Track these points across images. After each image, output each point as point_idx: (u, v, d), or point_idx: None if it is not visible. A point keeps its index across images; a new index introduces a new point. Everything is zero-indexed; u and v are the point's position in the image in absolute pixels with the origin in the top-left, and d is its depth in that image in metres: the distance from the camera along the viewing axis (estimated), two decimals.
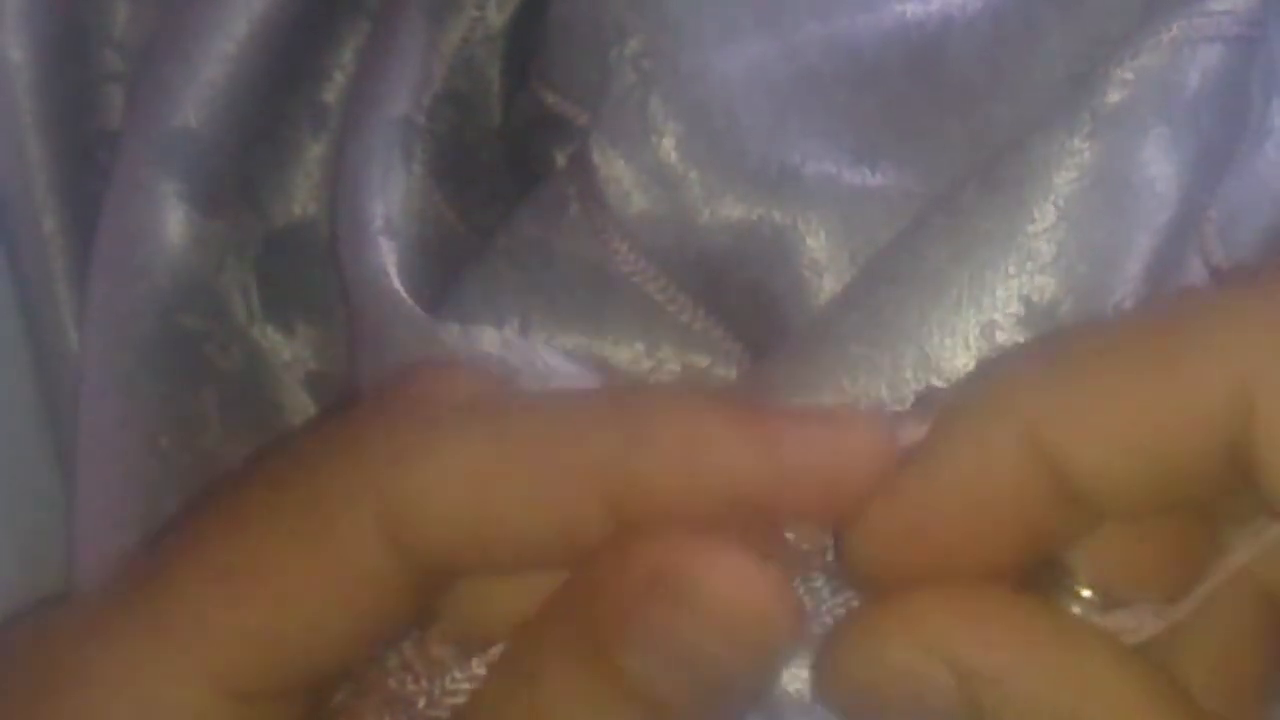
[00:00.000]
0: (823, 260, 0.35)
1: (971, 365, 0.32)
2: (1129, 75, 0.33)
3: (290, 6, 0.39)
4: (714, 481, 0.26)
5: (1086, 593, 0.27)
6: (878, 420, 0.28)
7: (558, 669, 0.26)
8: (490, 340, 0.33)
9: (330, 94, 0.41)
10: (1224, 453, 0.25)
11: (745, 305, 0.35)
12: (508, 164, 0.40)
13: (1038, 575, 0.27)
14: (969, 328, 0.32)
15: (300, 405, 0.40)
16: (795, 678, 0.30)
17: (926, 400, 0.30)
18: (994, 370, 0.28)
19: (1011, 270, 0.32)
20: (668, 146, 0.35)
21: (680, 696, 0.26)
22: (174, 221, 0.39)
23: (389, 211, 0.36)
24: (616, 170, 0.35)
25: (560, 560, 0.27)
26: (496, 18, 0.40)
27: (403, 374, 0.30)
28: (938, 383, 0.32)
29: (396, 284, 0.35)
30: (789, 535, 0.28)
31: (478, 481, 0.27)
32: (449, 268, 0.38)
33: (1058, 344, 0.27)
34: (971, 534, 0.26)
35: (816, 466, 0.27)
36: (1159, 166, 0.33)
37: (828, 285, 0.34)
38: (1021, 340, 0.31)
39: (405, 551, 0.27)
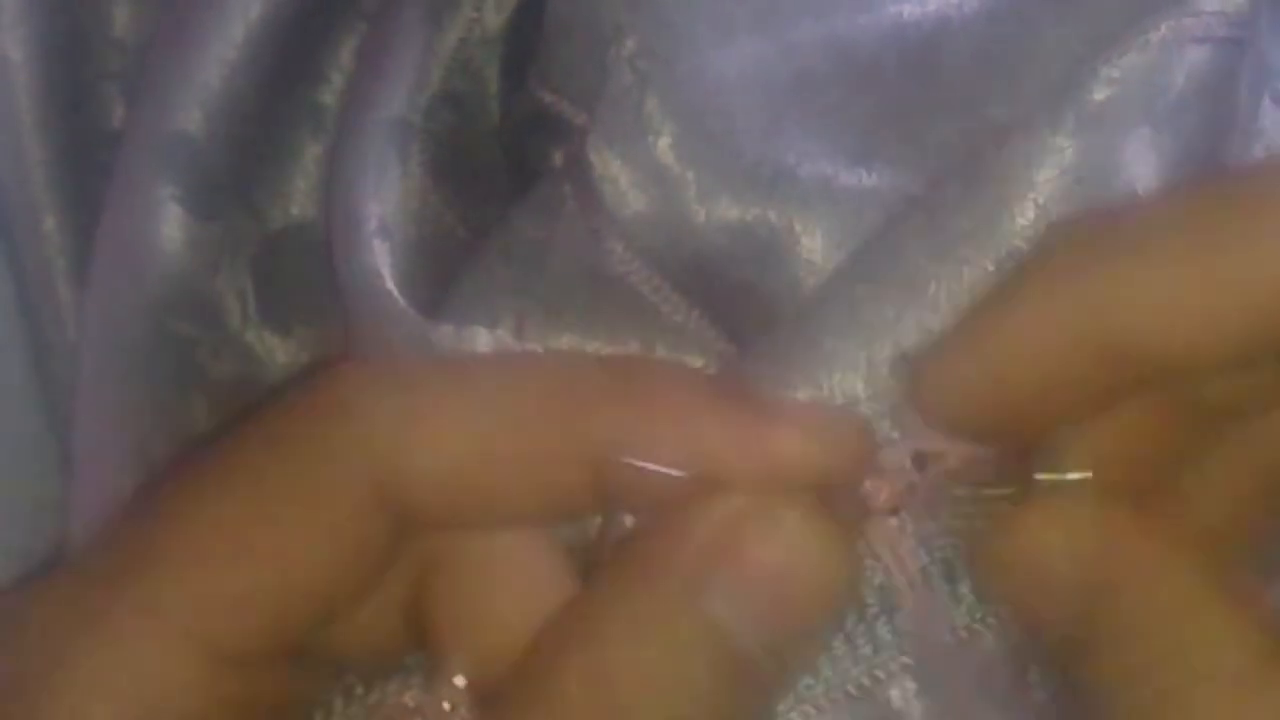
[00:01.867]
0: (818, 261, 0.35)
1: None
2: (1115, 73, 0.33)
3: (287, 9, 0.39)
4: (703, 465, 0.27)
5: (1076, 475, 0.28)
6: (856, 422, 0.29)
7: (626, 628, 0.26)
8: (483, 341, 0.33)
9: (328, 95, 0.41)
10: None
11: (739, 306, 0.35)
12: (506, 164, 0.40)
13: (1030, 457, 0.28)
14: (947, 325, 0.32)
15: None
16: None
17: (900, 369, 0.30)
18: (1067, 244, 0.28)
19: (990, 268, 0.32)
20: (664, 146, 0.35)
21: (757, 647, 0.27)
22: (169, 226, 0.39)
23: (383, 212, 0.36)
24: (613, 170, 0.35)
25: (541, 522, 0.28)
26: (494, 19, 0.40)
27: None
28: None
29: (390, 285, 0.35)
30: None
31: (475, 448, 0.27)
32: (447, 268, 0.37)
33: (1124, 225, 0.28)
34: (1037, 396, 0.27)
35: (799, 459, 0.28)
36: (1140, 167, 0.33)
37: None
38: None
39: (396, 513, 0.27)
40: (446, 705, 0.28)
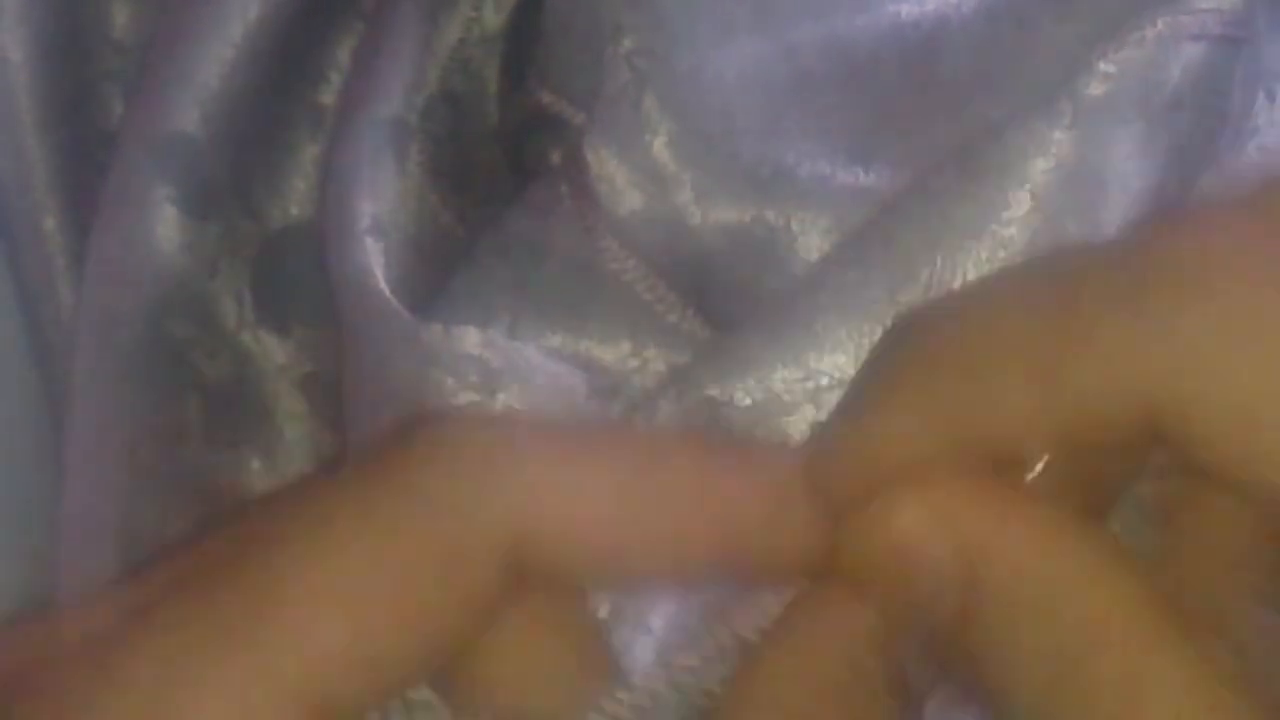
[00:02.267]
0: (816, 260, 0.34)
1: None
2: (1111, 68, 0.32)
3: (286, 9, 0.39)
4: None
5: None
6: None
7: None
8: (472, 341, 0.33)
9: (326, 95, 0.41)
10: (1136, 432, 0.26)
11: (736, 306, 0.35)
12: (504, 164, 0.40)
13: None
14: None
15: (294, 409, 0.40)
16: None
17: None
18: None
19: (983, 256, 0.32)
20: (661, 145, 0.35)
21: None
22: (166, 227, 0.39)
23: (377, 211, 0.36)
24: (609, 168, 0.35)
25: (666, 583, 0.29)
26: (493, 18, 0.40)
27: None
28: None
29: (381, 284, 0.35)
30: None
31: (606, 519, 0.27)
32: (444, 268, 0.37)
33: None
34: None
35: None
36: (1133, 161, 0.33)
37: None
38: None
39: (523, 575, 0.27)
40: None
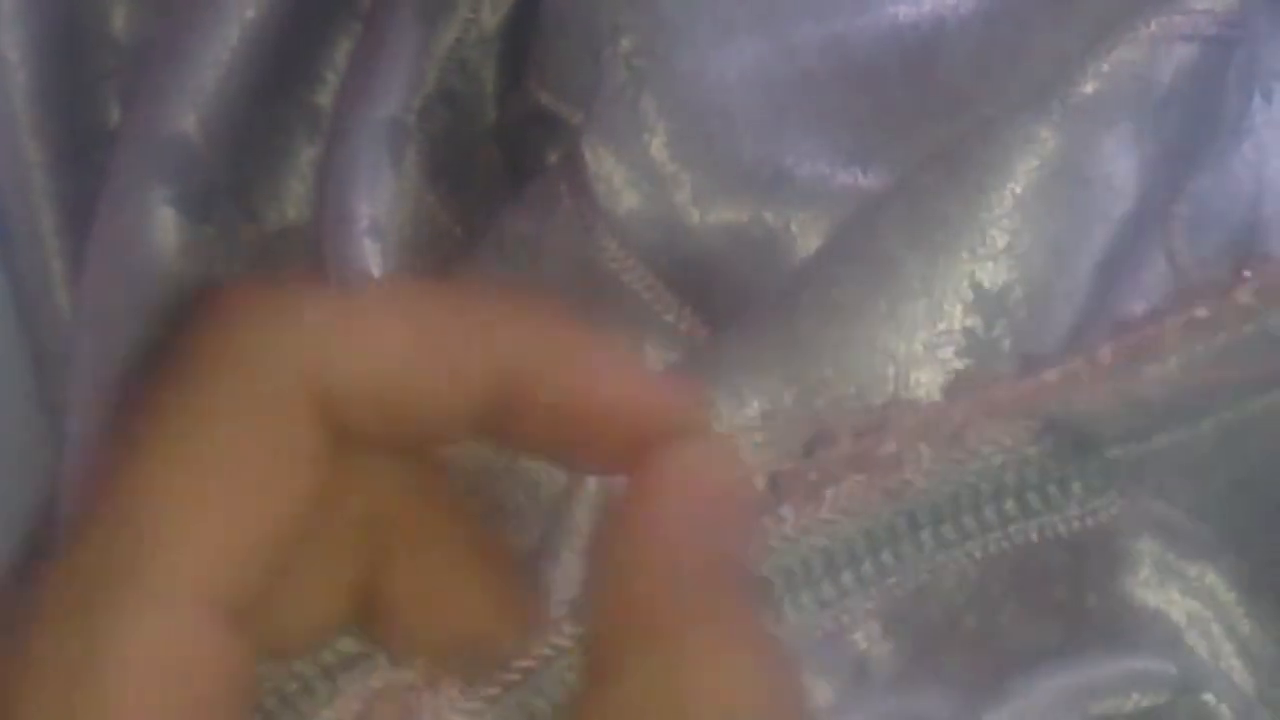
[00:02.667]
0: None
1: (918, 346, 0.32)
2: (1105, 68, 0.33)
3: (282, 10, 0.39)
4: (585, 401, 0.28)
5: None
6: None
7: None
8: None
9: (323, 96, 0.41)
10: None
11: (734, 305, 0.35)
12: (502, 164, 0.40)
13: None
14: (918, 310, 0.32)
15: None
16: None
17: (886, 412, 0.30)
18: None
19: (965, 255, 0.32)
20: (658, 145, 0.35)
21: None
22: (163, 229, 0.39)
23: (375, 213, 0.36)
24: (607, 168, 0.35)
25: (446, 439, 0.29)
26: (490, 19, 0.40)
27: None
28: (884, 363, 0.32)
29: None
30: None
31: (401, 365, 0.28)
32: (442, 268, 0.37)
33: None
34: None
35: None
36: (1119, 161, 0.33)
37: None
38: (971, 324, 0.32)
39: (333, 425, 0.28)
40: (424, 682, 0.28)
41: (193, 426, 0.27)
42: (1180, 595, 0.31)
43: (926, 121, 0.35)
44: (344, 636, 0.29)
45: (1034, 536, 0.30)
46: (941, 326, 0.32)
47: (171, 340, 0.28)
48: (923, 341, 0.32)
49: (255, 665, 0.28)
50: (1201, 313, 0.29)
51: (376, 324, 0.28)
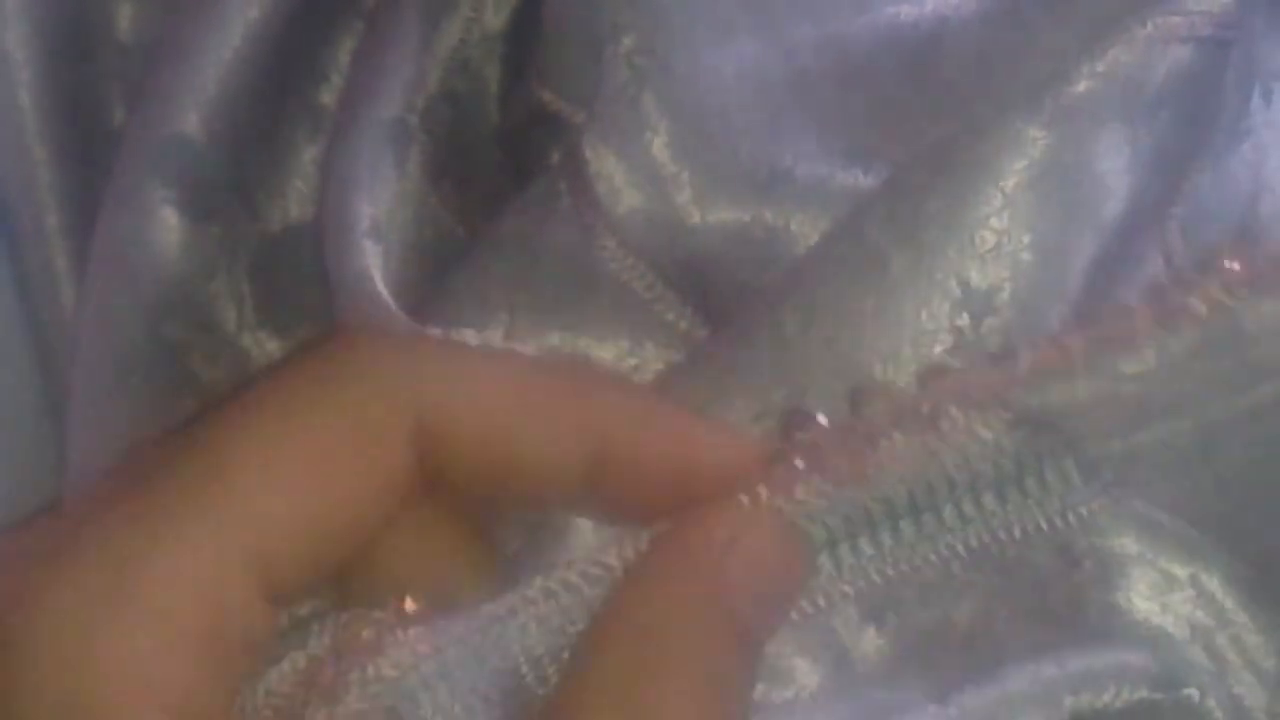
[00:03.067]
0: None
1: (907, 345, 0.32)
2: (1100, 68, 0.33)
3: (285, 9, 0.39)
4: (684, 463, 0.30)
5: None
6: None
7: (679, 618, 0.28)
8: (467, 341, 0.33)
9: (327, 96, 0.41)
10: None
11: (733, 305, 0.35)
12: (504, 164, 0.40)
13: None
14: (905, 309, 0.32)
15: None
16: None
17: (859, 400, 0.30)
18: None
19: (952, 254, 0.32)
20: (660, 145, 0.35)
21: (759, 628, 0.29)
22: (165, 229, 0.39)
23: (376, 213, 0.36)
24: (607, 167, 0.35)
25: (539, 502, 0.31)
26: (493, 19, 0.40)
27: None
28: (873, 362, 0.32)
29: (380, 287, 0.35)
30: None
31: (509, 406, 0.30)
32: (444, 269, 0.37)
33: None
34: None
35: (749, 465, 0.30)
36: (1110, 161, 0.33)
37: None
38: (960, 323, 0.32)
39: (427, 461, 0.29)
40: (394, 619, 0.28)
41: (296, 420, 0.29)
42: (1179, 603, 0.30)
43: (927, 121, 0.35)
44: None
45: (1015, 532, 0.30)
46: (930, 325, 0.32)
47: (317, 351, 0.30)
48: (911, 340, 0.32)
49: (275, 638, 0.29)
50: (1174, 303, 0.29)
51: (487, 379, 0.30)
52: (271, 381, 0.30)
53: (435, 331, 0.33)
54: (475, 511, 0.31)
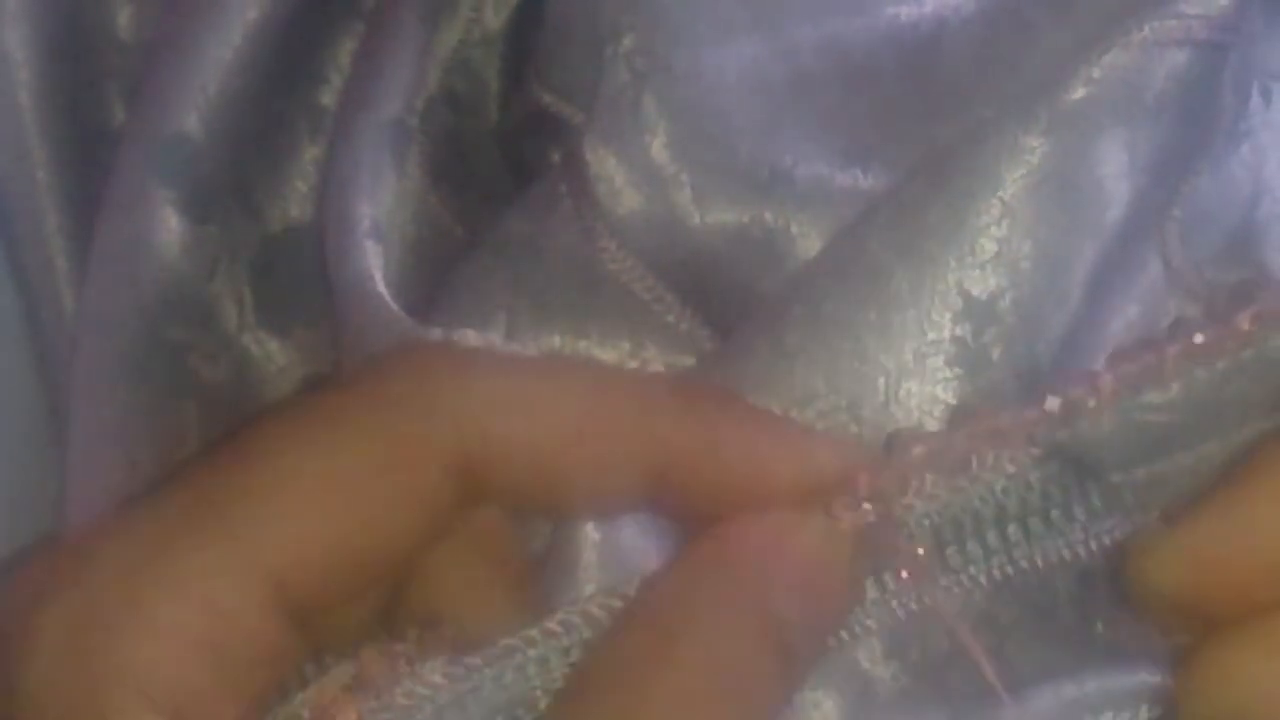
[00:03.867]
0: None
1: (909, 356, 0.32)
2: (1096, 73, 0.33)
3: (285, 9, 0.39)
4: (752, 475, 0.29)
5: None
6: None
7: (709, 622, 0.28)
8: (473, 345, 0.33)
9: (327, 97, 0.41)
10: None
11: (734, 306, 0.35)
12: (505, 165, 0.40)
13: None
14: (907, 320, 0.32)
15: None
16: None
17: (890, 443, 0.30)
18: None
19: (953, 264, 0.32)
20: (660, 146, 0.35)
21: (803, 637, 0.29)
22: (166, 230, 0.39)
23: (376, 214, 0.36)
24: (608, 168, 0.35)
25: (593, 513, 0.30)
26: (493, 20, 0.40)
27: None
28: (873, 373, 0.32)
29: (380, 288, 0.35)
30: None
31: (559, 433, 0.29)
32: (444, 270, 0.37)
33: None
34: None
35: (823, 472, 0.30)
36: (1110, 167, 0.33)
37: None
38: (961, 333, 0.32)
39: (469, 484, 0.29)
40: (415, 651, 0.28)
41: (327, 441, 0.29)
42: None
43: (927, 122, 0.34)
44: None
45: (1039, 561, 0.30)
46: (931, 336, 0.32)
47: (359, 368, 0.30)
48: (913, 351, 0.32)
49: (300, 651, 0.28)
50: (1201, 339, 0.29)
51: (543, 403, 0.29)
52: (314, 397, 0.30)
53: (437, 332, 0.33)
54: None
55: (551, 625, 0.28)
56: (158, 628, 0.27)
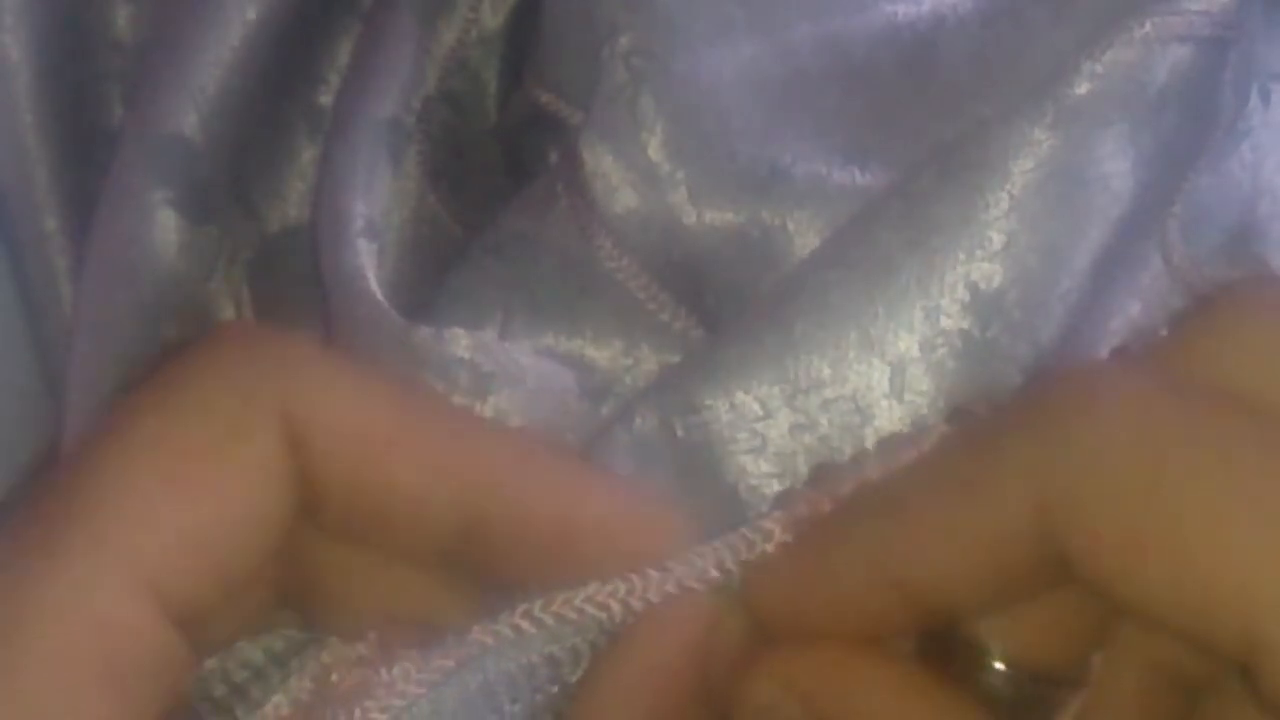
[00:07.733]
0: None
1: (914, 348, 0.32)
2: (1099, 69, 0.32)
3: (284, 10, 0.39)
4: (559, 523, 0.29)
5: (999, 666, 0.27)
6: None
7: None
8: (462, 345, 0.33)
9: (325, 97, 0.41)
10: (1040, 559, 0.26)
11: (728, 306, 0.34)
12: (502, 164, 0.40)
13: (955, 648, 0.28)
14: (914, 312, 0.32)
15: None
16: None
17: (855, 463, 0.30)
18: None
19: (961, 257, 0.32)
20: (656, 145, 0.35)
21: None
22: (164, 230, 0.39)
23: (371, 213, 0.36)
24: (604, 167, 0.35)
25: (413, 548, 0.29)
26: (491, 19, 0.40)
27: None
28: (879, 365, 0.32)
29: (373, 286, 0.34)
30: None
31: (375, 438, 0.29)
32: (442, 268, 0.37)
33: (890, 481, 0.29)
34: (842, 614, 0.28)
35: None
36: (1115, 162, 0.32)
37: None
38: (966, 325, 0.32)
39: (303, 464, 0.28)
40: (376, 656, 0.28)
41: (161, 427, 0.28)
42: None
43: (924, 120, 0.34)
44: (289, 625, 0.29)
45: None
46: (937, 328, 0.32)
47: (175, 352, 0.29)
48: (918, 343, 0.32)
49: (190, 658, 0.28)
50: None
51: (362, 395, 0.29)
52: (142, 390, 0.29)
53: (427, 331, 0.33)
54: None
55: (522, 622, 0.28)
56: (44, 655, 0.26)
